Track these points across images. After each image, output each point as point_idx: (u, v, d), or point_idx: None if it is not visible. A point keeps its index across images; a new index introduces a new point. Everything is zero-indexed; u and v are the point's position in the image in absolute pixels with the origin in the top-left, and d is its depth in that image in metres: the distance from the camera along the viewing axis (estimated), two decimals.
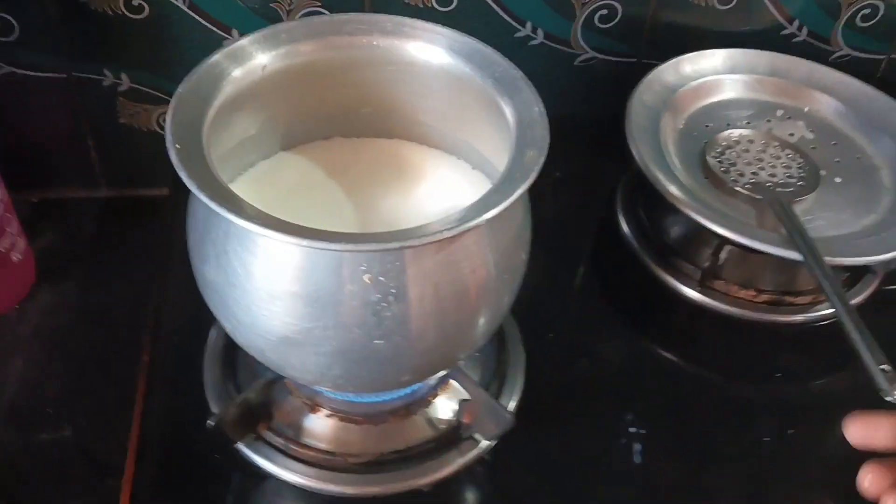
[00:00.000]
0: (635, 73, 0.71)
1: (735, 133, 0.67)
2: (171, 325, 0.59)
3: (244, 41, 0.46)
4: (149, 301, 0.63)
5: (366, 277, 0.39)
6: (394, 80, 0.50)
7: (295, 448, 0.50)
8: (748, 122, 0.68)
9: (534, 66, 0.75)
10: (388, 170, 0.53)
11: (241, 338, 0.44)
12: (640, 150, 0.62)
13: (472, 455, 0.50)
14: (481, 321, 0.44)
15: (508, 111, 0.44)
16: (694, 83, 0.69)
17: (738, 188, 0.61)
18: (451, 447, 0.51)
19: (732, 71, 0.70)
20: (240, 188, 0.49)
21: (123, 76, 0.67)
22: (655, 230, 0.66)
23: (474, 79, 0.47)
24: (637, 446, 0.52)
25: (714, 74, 0.70)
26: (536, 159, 0.41)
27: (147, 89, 0.68)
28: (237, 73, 0.45)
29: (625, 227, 0.67)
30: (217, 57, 0.45)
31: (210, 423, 0.47)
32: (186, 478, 0.50)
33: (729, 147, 0.65)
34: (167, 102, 0.68)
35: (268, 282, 0.40)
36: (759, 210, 0.61)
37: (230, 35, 0.66)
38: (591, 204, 0.72)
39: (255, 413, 0.50)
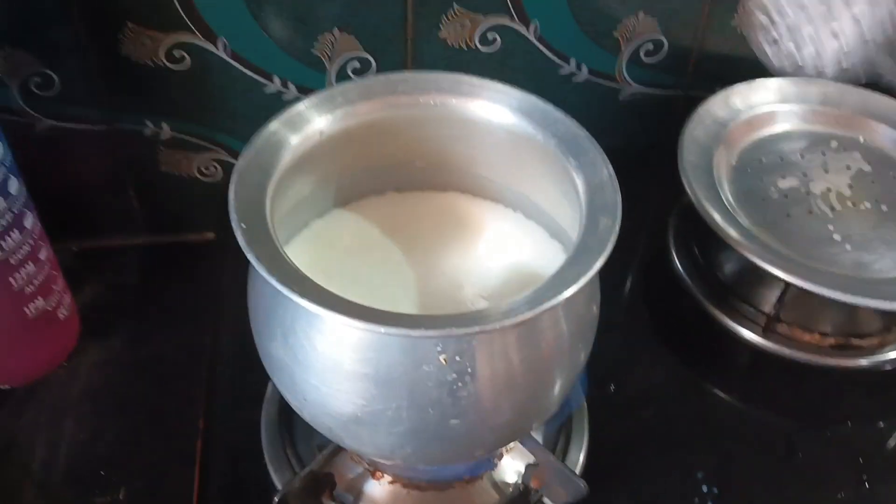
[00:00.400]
0: (681, 105, 0.69)
1: (785, 185, 0.65)
2: (225, 380, 0.59)
3: (301, 106, 0.45)
4: (200, 352, 0.63)
5: (441, 358, 0.37)
6: (450, 137, 0.49)
7: None
8: (802, 156, 0.66)
9: (578, 102, 0.75)
10: (446, 224, 0.52)
11: (308, 415, 0.43)
12: (694, 188, 0.60)
13: None
14: (557, 388, 0.43)
15: (575, 173, 0.43)
16: (745, 116, 0.67)
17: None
18: None
19: (784, 101, 0.68)
20: (296, 250, 0.48)
21: (164, 125, 0.66)
22: (711, 268, 0.64)
23: (536, 137, 0.46)
24: None
25: (765, 105, 0.68)
26: (611, 228, 0.39)
27: (188, 137, 0.67)
28: (295, 140, 0.44)
29: (678, 265, 0.66)
30: (275, 125, 0.44)
31: (276, 499, 0.45)
32: None
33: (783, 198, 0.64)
34: (208, 150, 0.68)
35: (338, 362, 0.39)
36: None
37: (271, 81, 0.65)
38: (640, 242, 0.70)
39: (319, 483, 0.49)
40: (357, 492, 0.50)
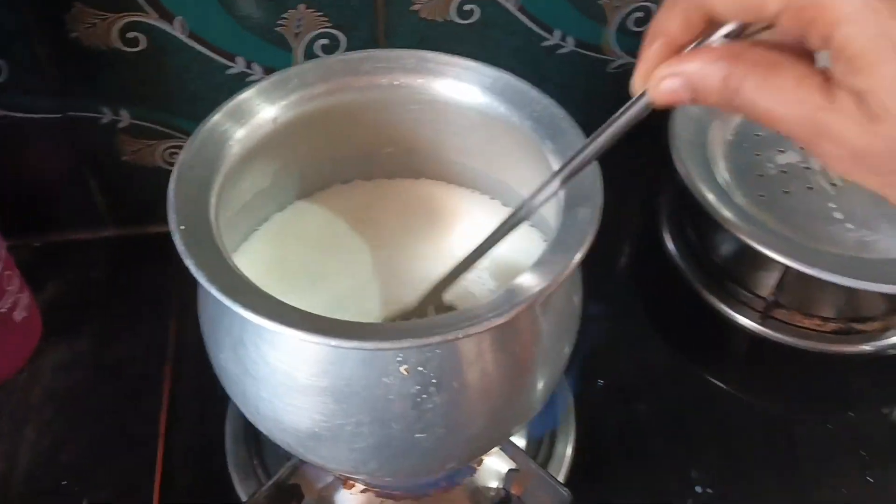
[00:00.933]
0: None
1: (783, 160, 0.61)
2: (190, 382, 0.55)
3: (249, 93, 0.41)
4: (165, 352, 0.60)
5: (402, 369, 0.34)
6: (418, 120, 0.45)
7: None
8: None
9: (564, 75, 0.71)
10: (417, 214, 0.48)
11: (264, 429, 0.39)
12: (686, 166, 0.56)
13: None
14: (538, 390, 0.40)
15: (552, 158, 0.39)
16: None
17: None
18: None
19: None
20: (256, 245, 0.45)
21: (123, 112, 0.62)
22: (706, 250, 0.61)
23: (510, 119, 0.42)
24: None
25: None
26: (590, 219, 0.36)
27: (149, 124, 0.63)
28: (243, 131, 0.40)
29: (671, 248, 0.62)
30: (219, 116, 0.40)
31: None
32: None
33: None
34: (171, 137, 0.64)
35: (291, 376, 0.35)
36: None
37: (234, 62, 0.61)
38: (630, 222, 0.67)
39: (285, 495, 0.45)
40: (327, 502, 0.47)
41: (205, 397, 0.53)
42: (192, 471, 0.51)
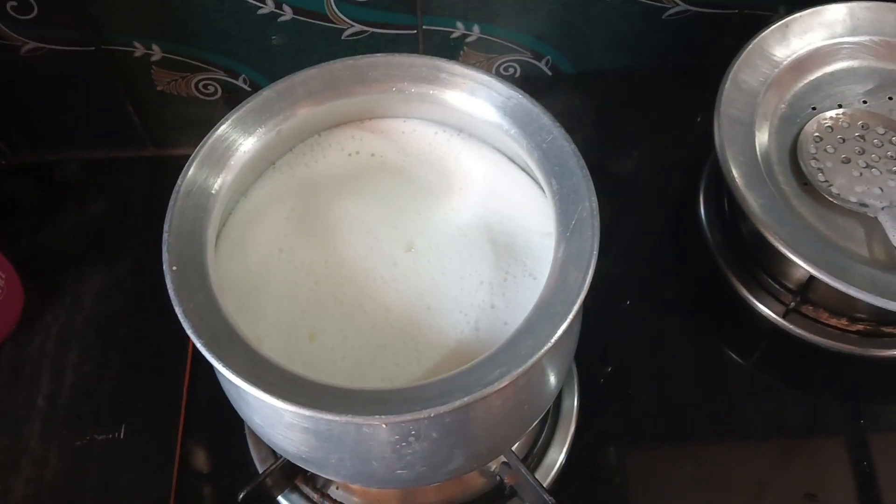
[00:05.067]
0: (735, 27, 0.60)
1: (827, 117, 0.56)
2: None
3: (249, 105, 0.40)
4: None
5: (382, 424, 0.35)
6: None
7: None
8: (865, 101, 0.57)
9: (618, 22, 0.66)
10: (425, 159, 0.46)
11: (262, 439, 0.42)
12: (724, 147, 0.53)
13: None
14: (525, 422, 0.41)
15: (553, 201, 0.38)
16: (803, 51, 0.58)
17: (840, 202, 0.53)
18: None
19: (853, 32, 0.58)
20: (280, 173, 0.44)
21: (155, 47, 0.61)
22: (737, 232, 0.58)
23: (517, 148, 0.40)
24: None
25: (829, 38, 0.58)
26: (580, 285, 0.35)
27: (181, 58, 0.62)
28: (247, 145, 0.40)
29: (704, 223, 0.60)
30: (224, 129, 0.39)
31: (243, 493, 0.46)
32: None
33: (820, 139, 0.55)
34: (203, 70, 0.63)
35: (277, 412, 0.37)
36: (868, 227, 0.52)
37: (264, 3, 0.58)
38: (671, 186, 0.64)
39: (293, 466, 0.48)
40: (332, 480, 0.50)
41: None
42: (214, 406, 0.53)
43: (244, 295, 0.39)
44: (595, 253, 0.35)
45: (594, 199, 0.37)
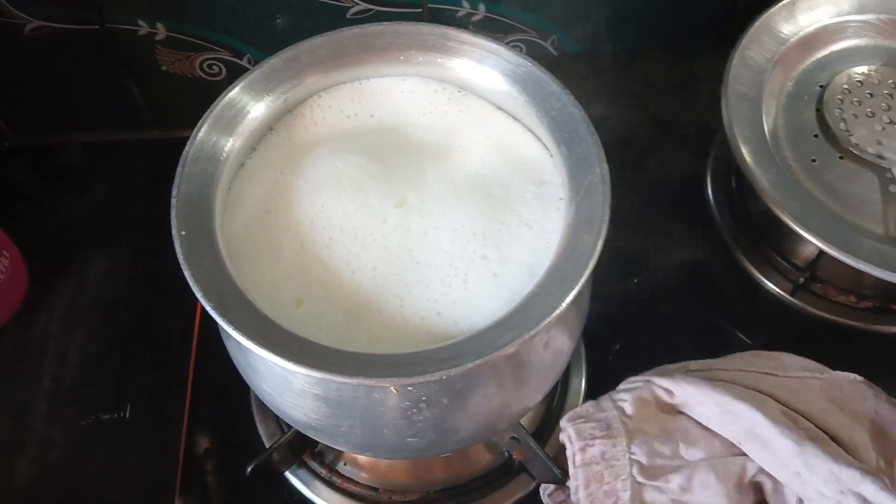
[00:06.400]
0: (741, 3, 0.60)
1: (858, 72, 0.56)
2: None
3: (259, 72, 0.40)
4: None
5: (392, 388, 0.35)
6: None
7: (338, 480, 0.48)
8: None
9: (623, 2, 0.65)
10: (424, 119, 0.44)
11: (271, 408, 0.41)
12: (732, 122, 0.53)
13: (527, 491, 0.48)
14: (536, 393, 0.40)
15: (564, 168, 0.37)
16: (811, 28, 0.57)
17: (857, 152, 0.52)
18: (504, 481, 0.48)
19: (860, 11, 0.58)
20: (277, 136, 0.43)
21: (159, 25, 0.61)
22: (745, 208, 0.58)
23: (528, 112, 0.40)
24: None
25: (836, 15, 0.58)
26: (591, 249, 0.35)
27: (186, 37, 0.62)
28: (255, 112, 0.39)
29: (711, 199, 0.60)
30: (233, 95, 0.39)
31: (252, 466, 0.45)
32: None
33: (849, 92, 0.55)
34: (208, 49, 0.63)
35: (288, 380, 0.37)
36: (884, 181, 0.52)
37: None
38: (679, 160, 0.63)
39: (302, 440, 0.48)
40: (338, 453, 0.50)
41: None
42: (220, 383, 0.54)
43: (230, 260, 0.37)
44: (606, 217, 0.35)
45: (605, 164, 0.36)
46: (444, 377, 0.32)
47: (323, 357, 0.32)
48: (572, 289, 0.33)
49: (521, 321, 0.33)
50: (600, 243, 0.34)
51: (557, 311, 0.33)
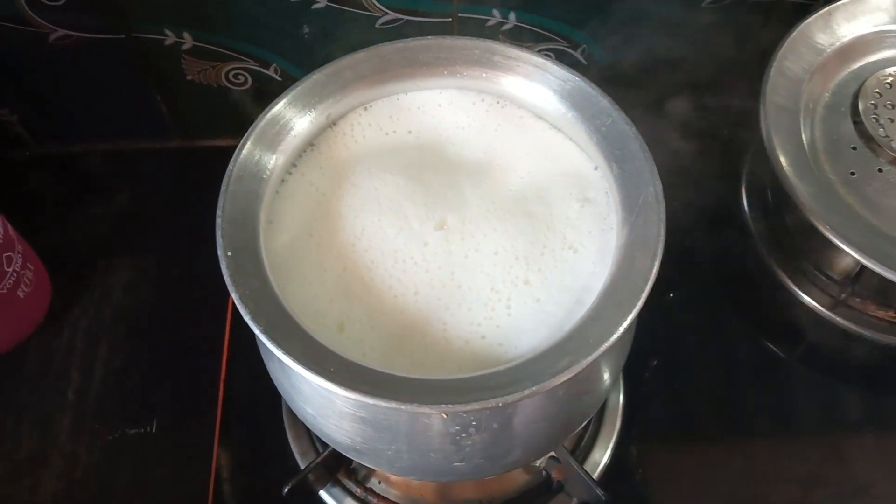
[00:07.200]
0: (777, 13, 0.59)
1: (887, 73, 0.55)
2: None
3: (302, 87, 0.39)
4: None
5: (442, 414, 0.34)
6: None
7: (373, 499, 0.48)
8: None
9: (656, 11, 0.64)
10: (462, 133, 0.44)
11: (314, 431, 0.40)
12: (770, 133, 0.52)
13: None
14: (578, 417, 0.39)
15: (615, 187, 0.37)
16: (847, 39, 0.57)
17: None
18: (541, 502, 0.48)
19: None
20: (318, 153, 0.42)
21: (186, 35, 0.60)
22: (782, 222, 0.57)
23: (578, 130, 0.39)
24: None
25: (875, 25, 0.57)
26: (647, 271, 0.34)
27: (212, 47, 0.61)
28: (298, 128, 0.39)
29: (747, 212, 0.59)
30: (276, 111, 0.38)
31: (287, 488, 0.45)
32: None
33: (880, 95, 0.55)
34: (234, 59, 0.62)
35: (331, 401, 0.36)
36: None
37: None
38: (711, 176, 0.63)
39: (337, 459, 0.47)
40: (373, 472, 0.49)
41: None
42: (252, 398, 0.53)
43: (275, 282, 0.37)
44: (662, 238, 0.34)
45: (658, 182, 0.36)
46: (499, 404, 0.31)
47: (374, 382, 0.31)
48: (629, 312, 0.33)
49: (578, 346, 0.32)
50: (657, 265, 0.34)
51: (615, 336, 0.32)
